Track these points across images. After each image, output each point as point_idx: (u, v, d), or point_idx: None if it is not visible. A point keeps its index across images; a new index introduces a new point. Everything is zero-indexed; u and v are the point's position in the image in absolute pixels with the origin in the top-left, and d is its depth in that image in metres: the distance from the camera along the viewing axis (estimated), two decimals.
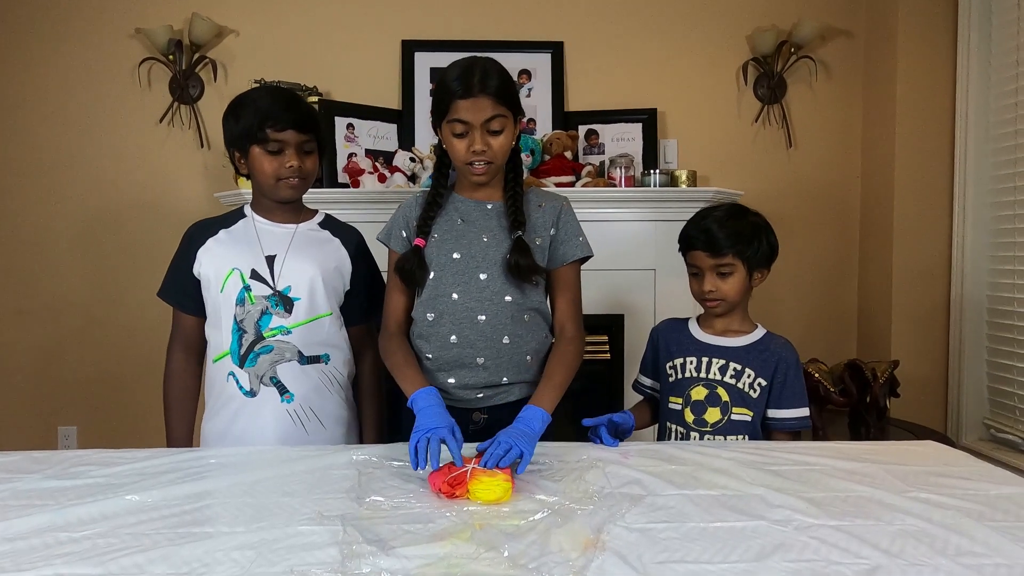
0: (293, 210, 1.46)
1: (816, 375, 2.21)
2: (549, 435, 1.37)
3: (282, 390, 1.39)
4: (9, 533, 0.91)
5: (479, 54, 1.35)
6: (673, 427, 1.47)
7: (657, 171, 2.54)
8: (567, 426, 1.41)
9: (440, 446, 1.11)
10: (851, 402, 2.22)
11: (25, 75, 2.69)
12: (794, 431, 1.43)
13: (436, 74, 2.65)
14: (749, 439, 1.41)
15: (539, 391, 1.28)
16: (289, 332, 1.39)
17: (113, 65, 2.70)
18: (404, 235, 1.40)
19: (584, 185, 2.53)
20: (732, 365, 1.42)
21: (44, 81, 2.70)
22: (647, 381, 1.58)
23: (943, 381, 2.67)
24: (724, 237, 1.39)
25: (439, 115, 1.32)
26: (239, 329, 1.38)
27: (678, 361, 1.47)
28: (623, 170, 2.56)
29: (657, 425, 1.55)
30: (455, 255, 1.35)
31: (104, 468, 1.16)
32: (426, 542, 0.87)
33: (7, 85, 2.69)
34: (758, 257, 1.42)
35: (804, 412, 1.43)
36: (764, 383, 1.41)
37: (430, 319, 1.36)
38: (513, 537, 0.88)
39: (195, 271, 1.42)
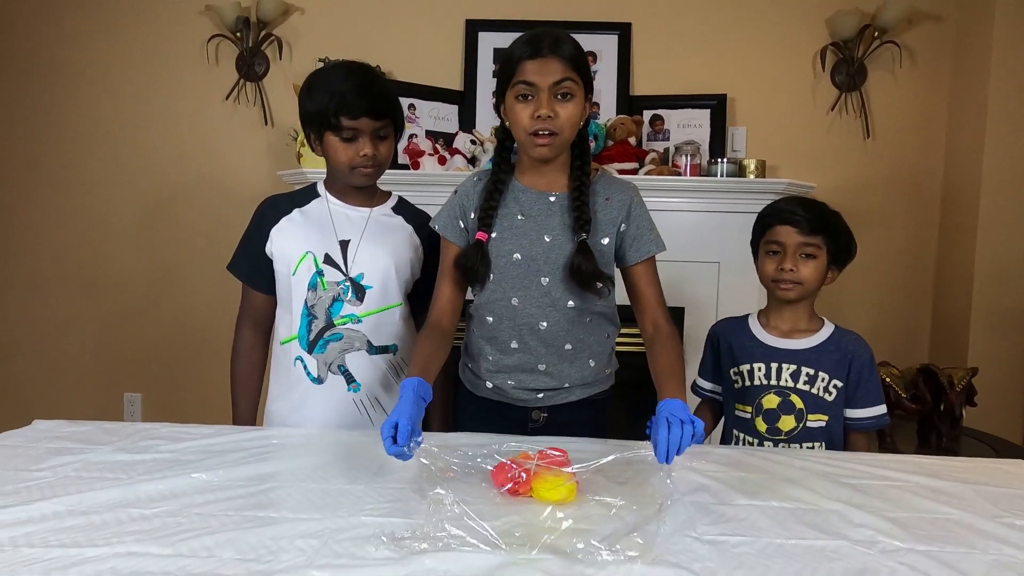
0: (367, 193, 1.44)
1: (887, 379, 2.10)
2: (610, 433, 1.33)
3: (349, 379, 1.39)
4: (83, 506, 0.93)
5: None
6: (741, 436, 1.41)
7: (724, 160, 2.44)
8: (623, 424, 1.37)
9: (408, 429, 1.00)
10: (924, 410, 2.10)
11: (97, 49, 2.76)
12: (872, 430, 1.37)
13: (500, 55, 2.59)
14: (826, 446, 1.35)
15: (665, 386, 1.12)
16: (359, 321, 1.38)
17: (183, 42, 2.75)
18: (461, 224, 1.30)
19: (647, 172, 2.45)
20: (804, 370, 1.35)
21: (115, 56, 2.76)
22: (707, 385, 1.51)
23: (1023, 390, 2.51)
24: (816, 217, 1.35)
25: (504, 82, 1.21)
26: (309, 314, 1.38)
27: (744, 367, 1.40)
28: (688, 158, 2.47)
29: (722, 431, 1.48)
30: (516, 256, 1.27)
31: (172, 443, 1.18)
32: (486, 545, 0.84)
33: (79, 60, 2.77)
34: (841, 251, 1.37)
35: (881, 410, 1.38)
36: (840, 384, 1.34)
37: (490, 322, 1.31)
38: (576, 544, 0.85)
39: (267, 250, 1.40)
